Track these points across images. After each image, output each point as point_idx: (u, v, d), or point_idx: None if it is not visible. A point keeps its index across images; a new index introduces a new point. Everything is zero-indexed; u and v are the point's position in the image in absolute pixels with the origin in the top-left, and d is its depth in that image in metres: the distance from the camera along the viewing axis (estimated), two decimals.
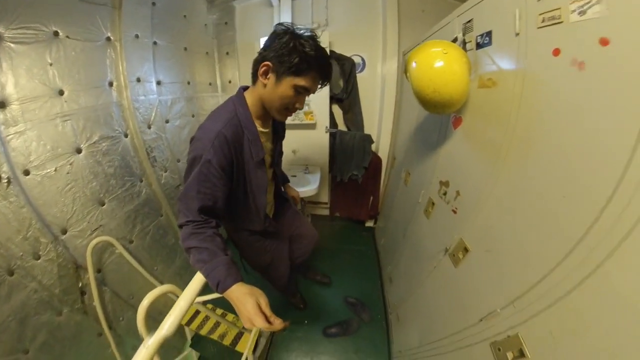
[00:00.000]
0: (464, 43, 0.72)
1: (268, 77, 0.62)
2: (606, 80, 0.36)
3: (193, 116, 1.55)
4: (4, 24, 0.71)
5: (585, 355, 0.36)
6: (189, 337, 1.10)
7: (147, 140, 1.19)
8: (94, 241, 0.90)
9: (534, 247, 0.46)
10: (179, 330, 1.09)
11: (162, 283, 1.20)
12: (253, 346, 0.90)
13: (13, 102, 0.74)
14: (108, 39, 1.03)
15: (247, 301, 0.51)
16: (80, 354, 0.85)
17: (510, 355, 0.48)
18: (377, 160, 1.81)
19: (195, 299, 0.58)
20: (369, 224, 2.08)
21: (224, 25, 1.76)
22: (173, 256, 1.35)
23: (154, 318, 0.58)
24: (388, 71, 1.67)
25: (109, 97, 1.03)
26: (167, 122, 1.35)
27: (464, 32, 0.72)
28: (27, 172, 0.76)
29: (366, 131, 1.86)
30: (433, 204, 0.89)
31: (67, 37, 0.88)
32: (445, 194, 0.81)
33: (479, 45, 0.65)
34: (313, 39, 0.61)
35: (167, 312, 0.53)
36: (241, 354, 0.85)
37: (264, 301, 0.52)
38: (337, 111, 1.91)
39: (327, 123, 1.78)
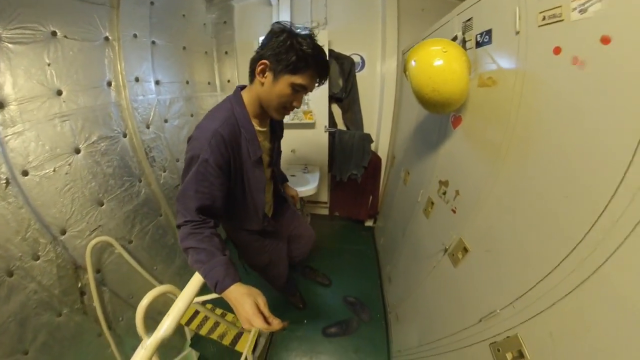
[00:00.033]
0: (464, 42, 0.71)
1: (265, 75, 0.62)
2: (607, 79, 0.35)
3: (192, 116, 1.55)
4: (2, 24, 0.71)
5: (585, 357, 0.36)
6: (188, 336, 1.10)
7: (145, 140, 1.19)
8: (93, 241, 0.90)
9: (534, 248, 0.46)
10: (179, 329, 1.10)
11: (161, 283, 1.20)
12: (252, 346, 0.90)
13: (11, 102, 0.74)
14: (106, 38, 1.03)
15: (245, 301, 0.51)
16: (80, 355, 0.85)
17: (509, 355, 0.47)
18: (376, 160, 1.81)
19: (193, 299, 0.58)
20: (369, 223, 2.08)
21: (222, 24, 1.76)
22: (173, 256, 1.35)
23: (154, 318, 0.58)
24: (387, 70, 1.66)
25: (108, 97, 1.03)
26: (165, 121, 1.35)
27: (464, 31, 0.71)
28: (25, 173, 0.76)
29: (365, 130, 1.85)
30: (432, 203, 0.89)
31: (65, 37, 0.88)
32: (444, 193, 0.80)
33: (478, 44, 0.65)
34: (310, 37, 0.61)
35: (166, 312, 0.52)
36: (241, 354, 0.85)
37: (262, 301, 0.52)
38: (336, 110, 1.90)
39: (326, 122, 1.78)
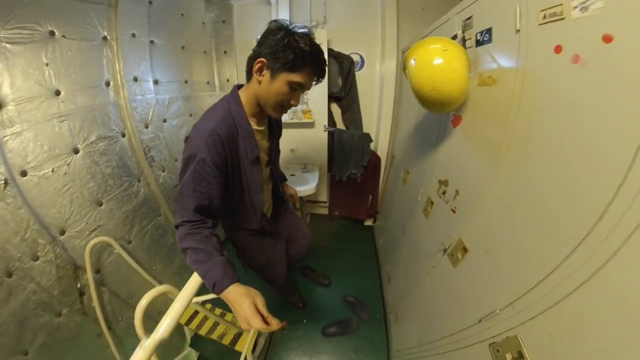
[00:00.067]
0: (464, 40, 0.71)
1: (263, 73, 0.62)
2: (609, 78, 0.35)
3: (191, 115, 1.54)
4: (0, 24, 0.70)
5: (585, 358, 0.36)
6: (188, 336, 1.11)
7: (144, 139, 1.19)
8: (93, 242, 0.90)
9: (534, 248, 0.45)
10: (179, 329, 1.10)
11: (161, 283, 1.20)
12: (252, 345, 0.90)
13: (9, 102, 0.74)
14: (104, 38, 1.02)
15: (244, 302, 0.50)
16: (79, 355, 0.85)
17: (509, 356, 0.47)
18: (376, 159, 1.80)
19: (191, 300, 0.58)
20: (368, 222, 2.08)
21: (221, 23, 1.75)
22: (172, 256, 1.35)
23: (153, 318, 0.58)
24: (387, 69, 1.65)
25: (106, 96, 1.03)
26: (164, 121, 1.35)
27: (464, 29, 0.71)
28: (24, 173, 0.76)
29: (365, 130, 1.85)
30: (432, 203, 0.88)
31: (63, 36, 0.87)
32: (444, 193, 0.80)
33: (478, 43, 0.64)
34: (308, 35, 0.61)
35: (166, 312, 0.52)
36: (240, 353, 0.85)
37: (260, 302, 0.52)
38: (336, 110, 1.90)
39: (325, 122, 1.77)
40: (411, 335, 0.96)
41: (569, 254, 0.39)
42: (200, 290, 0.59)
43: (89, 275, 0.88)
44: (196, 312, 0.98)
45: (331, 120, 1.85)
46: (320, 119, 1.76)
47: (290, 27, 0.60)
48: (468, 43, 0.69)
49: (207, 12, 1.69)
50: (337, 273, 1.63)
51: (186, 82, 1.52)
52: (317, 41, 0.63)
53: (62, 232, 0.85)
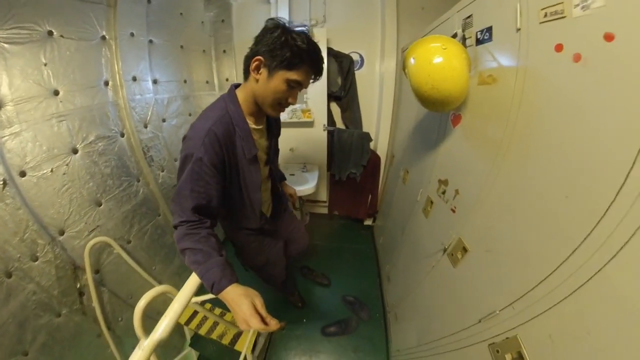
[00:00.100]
0: (464, 39, 0.70)
1: (260, 72, 0.62)
2: (611, 77, 0.35)
3: (190, 115, 1.54)
4: None
5: (585, 359, 0.36)
6: (188, 336, 1.11)
7: (143, 139, 1.19)
8: (92, 242, 0.90)
9: (534, 248, 0.45)
10: (179, 329, 1.10)
11: (160, 283, 1.20)
12: (252, 345, 0.90)
13: (8, 103, 0.74)
14: (103, 37, 1.02)
15: (243, 302, 0.50)
16: (79, 355, 0.85)
17: (508, 357, 0.47)
18: (375, 158, 1.80)
19: (190, 300, 0.58)
20: (368, 222, 2.08)
21: (220, 22, 1.74)
22: (172, 256, 1.35)
23: (153, 318, 0.58)
24: (387, 68, 1.65)
25: (105, 96, 1.03)
26: (163, 121, 1.35)
27: (464, 28, 0.70)
28: (23, 174, 0.76)
29: (364, 129, 1.84)
30: (432, 202, 0.88)
31: (62, 36, 0.87)
32: (444, 192, 0.80)
33: (479, 41, 0.64)
34: (305, 33, 0.61)
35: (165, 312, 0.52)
36: (240, 353, 0.85)
37: (259, 302, 0.52)
38: (335, 109, 1.89)
39: (325, 121, 1.77)
40: (411, 335, 0.96)
41: (569, 254, 0.38)
42: (200, 290, 0.59)
43: (89, 276, 0.88)
44: (196, 312, 0.98)
45: (331, 120, 1.85)
46: (320, 118, 1.76)
47: (288, 25, 0.60)
48: (468, 42, 0.68)
49: (206, 12, 1.68)
50: (337, 273, 1.63)
51: (185, 81, 1.52)
52: (317, 40, 0.63)
53: (62, 233, 0.85)
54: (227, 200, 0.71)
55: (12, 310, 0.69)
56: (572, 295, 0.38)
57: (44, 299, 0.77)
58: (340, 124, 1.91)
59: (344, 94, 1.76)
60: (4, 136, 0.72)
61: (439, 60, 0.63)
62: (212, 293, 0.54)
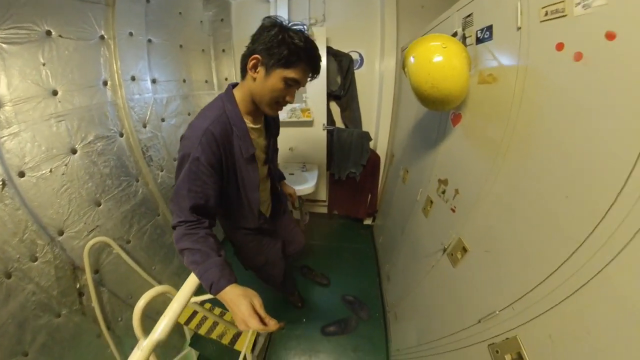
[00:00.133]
0: (464, 38, 0.70)
1: (257, 70, 0.61)
2: (612, 76, 0.34)
3: (189, 114, 1.54)
4: None
5: (585, 359, 0.35)
6: (188, 336, 1.11)
7: (142, 139, 1.19)
8: (91, 242, 0.90)
9: (534, 249, 0.45)
10: (179, 329, 1.10)
11: (160, 283, 1.20)
12: (251, 345, 0.90)
13: (6, 103, 0.73)
14: (102, 37, 1.01)
15: (241, 303, 0.50)
16: (79, 355, 0.85)
17: (508, 357, 0.47)
18: (375, 158, 1.80)
19: (189, 300, 0.58)
20: (367, 221, 2.08)
21: (220, 22, 1.74)
22: (171, 256, 1.35)
23: (152, 318, 0.58)
24: (386, 68, 1.64)
25: (104, 96, 1.02)
26: (162, 120, 1.34)
27: (464, 27, 0.70)
28: (22, 174, 0.75)
29: (364, 128, 1.84)
30: (431, 202, 0.88)
31: (60, 36, 0.87)
32: (444, 192, 0.80)
33: (479, 40, 0.64)
34: (302, 31, 0.60)
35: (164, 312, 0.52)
36: (240, 352, 0.85)
37: (258, 302, 0.52)
38: (335, 108, 1.89)
39: (324, 120, 1.77)
40: (410, 335, 0.96)
41: (570, 255, 0.38)
42: (199, 290, 0.59)
43: (88, 276, 0.88)
44: (195, 312, 0.98)
45: (330, 119, 1.85)
46: (319, 118, 1.76)
47: (284, 23, 0.59)
48: (468, 41, 0.68)
49: (205, 11, 1.67)
50: (337, 272, 1.63)
51: (184, 81, 1.51)
52: (316, 39, 0.62)
53: (61, 233, 0.85)
54: (225, 199, 0.71)
55: (11, 311, 0.69)
56: (573, 296, 0.37)
57: (44, 299, 0.77)
58: (339, 123, 1.91)
59: (343, 93, 1.76)
60: (3, 136, 0.72)
61: (439, 59, 0.62)
62: (211, 293, 0.54)
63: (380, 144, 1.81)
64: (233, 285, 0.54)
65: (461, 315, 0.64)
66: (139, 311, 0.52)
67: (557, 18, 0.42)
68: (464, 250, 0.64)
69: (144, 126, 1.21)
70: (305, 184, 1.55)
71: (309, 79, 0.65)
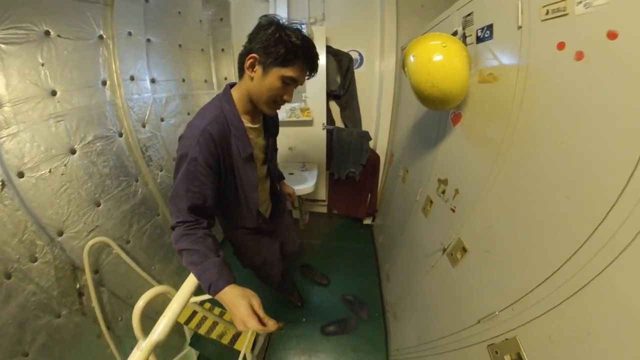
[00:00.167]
0: (464, 37, 0.69)
1: (255, 69, 0.61)
2: (614, 76, 0.34)
3: (188, 114, 1.54)
4: None
5: None
6: (188, 336, 1.11)
7: (142, 139, 1.18)
8: (91, 242, 0.90)
9: (535, 249, 0.45)
10: (179, 328, 1.10)
11: (160, 282, 1.20)
12: (251, 344, 0.90)
13: (5, 104, 0.73)
14: (100, 37, 1.01)
15: (240, 303, 0.50)
16: (79, 356, 0.86)
17: (508, 358, 0.47)
18: (375, 157, 1.79)
19: (188, 301, 0.58)
20: (367, 221, 2.08)
21: (219, 21, 1.73)
22: (171, 255, 1.35)
23: (152, 317, 0.58)
24: (386, 67, 1.64)
25: (103, 96, 1.02)
26: (162, 120, 1.34)
27: (464, 26, 0.69)
28: (21, 175, 0.75)
29: (364, 128, 1.84)
30: (431, 202, 0.88)
31: (59, 36, 0.86)
32: (443, 192, 0.79)
33: (479, 39, 0.63)
34: (299, 29, 0.60)
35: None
36: (240, 352, 0.85)
37: (256, 303, 0.52)
38: (334, 108, 1.88)
39: (324, 120, 1.76)
40: (410, 335, 0.96)
41: (570, 256, 0.38)
42: (199, 290, 0.59)
43: (88, 276, 0.88)
44: (195, 312, 0.99)
45: (330, 118, 1.84)
46: (319, 117, 1.75)
47: (281, 21, 0.59)
48: (468, 40, 0.68)
49: (204, 10, 1.67)
50: (336, 272, 1.63)
51: (183, 80, 1.51)
52: (316, 38, 0.62)
53: (60, 233, 0.85)
54: (223, 199, 0.71)
55: (11, 312, 0.69)
56: (573, 297, 0.37)
57: (44, 299, 0.77)
58: (339, 123, 1.90)
59: (343, 93, 1.75)
60: (2, 137, 0.72)
61: (439, 58, 0.62)
62: (209, 294, 0.54)
63: (380, 144, 1.81)
64: (232, 285, 0.53)
65: (461, 316, 0.64)
66: (138, 311, 0.52)
67: (558, 17, 0.41)
68: (464, 250, 0.64)
69: (143, 126, 1.21)
70: (304, 184, 1.55)
71: (306, 77, 0.65)
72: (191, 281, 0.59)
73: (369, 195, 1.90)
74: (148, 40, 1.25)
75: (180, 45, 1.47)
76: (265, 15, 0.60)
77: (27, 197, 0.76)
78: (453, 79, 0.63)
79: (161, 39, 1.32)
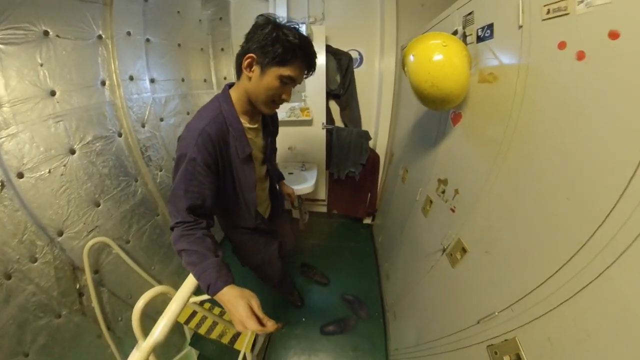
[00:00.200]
0: (464, 36, 0.69)
1: (252, 69, 0.61)
2: (615, 76, 0.34)
3: (188, 114, 1.53)
4: None
5: None
6: (188, 335, 1.11)
7: (141, 139, 1.18)
8: (91, 242, 0.90)
9: (534, 250, 0.45)
10: (179, 328, 1.11)
11: (160, 282, 1.20)
12: (251, 344, 0.90)
13: (4, 104, 0.73)
14: (99, 37, 1.01)
15: (239, 304, 0.50)
16: (80, 356, 0.86)
17: (507, 359, 0.47)
18: (374, 157, 1.79)
19: (188, 300, 0.58)
20: (367, 221, 2.08)
21: (218, 20, 1.73)
22: (170, 255, 1.35)
23: (152, 317, 0.58)
24: (386, 66, 1.63)
25: (102, 96, 1.02)
26: (161, 120, 1.34)
27: (464, 25, 0.69)
28: (20, 175, 0.75)
29: (363, 127, 1.83)
30: (431, 202, 0.88)
31: (58, 36, 0.86)
32: (443, 192, 0.79)
33: (479, 39, 0.63)
34: (296, 28, 0.60)
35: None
36: (240, 352, 0.85)
37: (255, 303, 0.52)
38: (334, 107, 1.88)
39: (323, 119, 1.76)
40: (409, 334, 0.96)
41: (570, 257, 0.38)
42: (198, 290, 0.59)
43: (88, 276, 0.88)
44: (195, 312, 0.99)
45: (329, 118, 1.84)
46: (319, 117, 1.75)
47: (278, 20, 0.59)
48: (469, 39, 0.67)
49: (204, 10, 1.66)
50: (336, 271, 1.63)
51: (183, 80, 1.51)
52: (315, 38, 0.61)
53: (60, 234, 0.85)
54: (222, 199, 0.71)
55: (11, 312, 0.69)
56: (573, 298, 0.37)
57: (44, 300, 0.77)
58: (339, 122, 1.90)
59: (342, 92, 1.75)
60: (1, 138, 0.72)
61: (439, 57, 0.61)
62: (208, 294, 0.54)
63: (380, 143, 1.80)
64: (230, 286, 0.53)
65: (460, 316, 0.63)
66: (138, 312, 0.52)
67: (559, 16, 0.41)
68: (464, 250, 0.64)
69: (143, 126, 1.21)
70: (304, 184, 1.55)
71: (304, 76, 0.65)
72: (191, 281, 0.59)
73: (369, 194, 1.90)
74: (147, 40, 1.24)
75: (179, 45, 1.47)
76: (262, 15, 0.60)
77: (27, 198, 0.76)
78: (453, 78, 0.62)
79: (160, 39, 1.32)
